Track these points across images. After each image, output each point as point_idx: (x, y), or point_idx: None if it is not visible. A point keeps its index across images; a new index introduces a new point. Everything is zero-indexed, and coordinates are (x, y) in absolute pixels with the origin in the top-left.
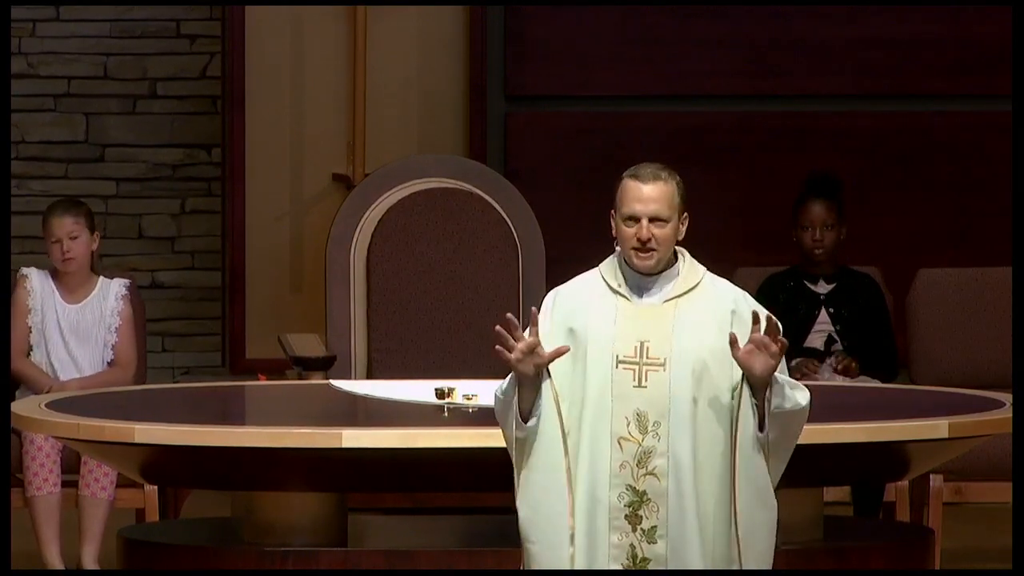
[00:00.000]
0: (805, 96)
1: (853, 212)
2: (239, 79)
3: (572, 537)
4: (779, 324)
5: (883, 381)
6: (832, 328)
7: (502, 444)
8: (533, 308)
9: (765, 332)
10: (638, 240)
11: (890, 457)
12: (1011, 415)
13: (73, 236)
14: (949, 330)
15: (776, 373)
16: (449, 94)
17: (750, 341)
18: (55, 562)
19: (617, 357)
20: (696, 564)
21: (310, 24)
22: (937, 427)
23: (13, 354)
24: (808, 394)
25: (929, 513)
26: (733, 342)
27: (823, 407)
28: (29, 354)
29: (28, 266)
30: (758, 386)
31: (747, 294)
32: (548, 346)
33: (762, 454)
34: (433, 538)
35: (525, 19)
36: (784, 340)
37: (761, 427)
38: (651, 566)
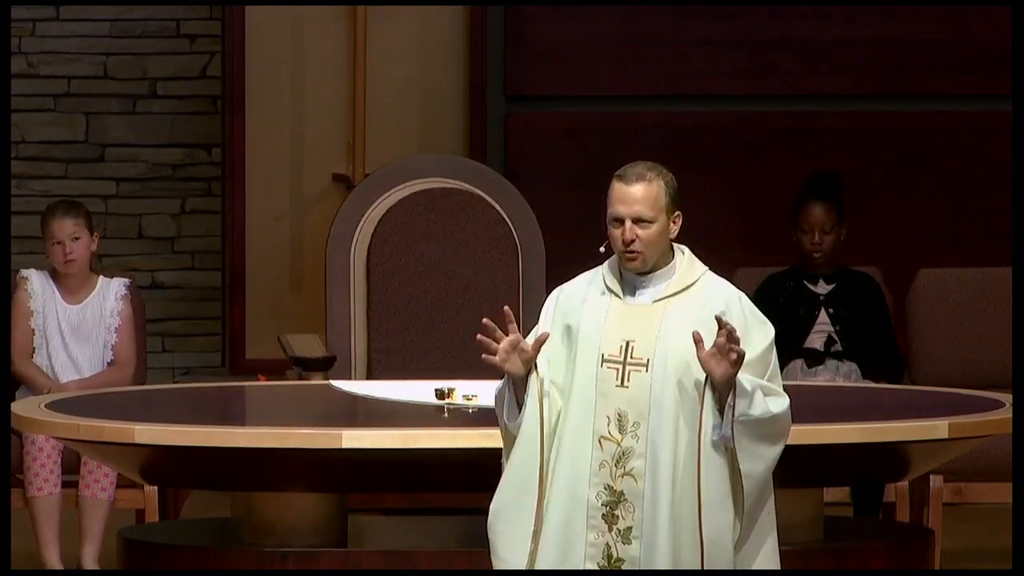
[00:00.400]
0: (805, 96)
1: (853, 212)
2: (239, 79)
3: (535, 534)
4: (743, 332)
5: (890, 381)
6: (832, 329)
7: (502, 445)
8: (506, 308)
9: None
10: (622, 242)
11: (890, 458)
12: (1011, 415)
13: (75, 237)
14: (949, 330)
15: (746, 378)
16: (449, 94)
17: (714, 345)
18: (54, 563)
19: (603, 356)
20: (664, 567)
21: (310, 24)
22: (937, 427)
23: (16, 356)
24: (786, 402)
25: (929, 513)
26: (698, 341)
27: (823, 407)
28: (32, 356)
29: (28, 266)
30: (720, 390)
31: (744, 295)
32: (550, 346)
33: (725, 459)
34: (433, 539)
35: (525, 19)
36: (741, 349)
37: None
38: (625, 567)
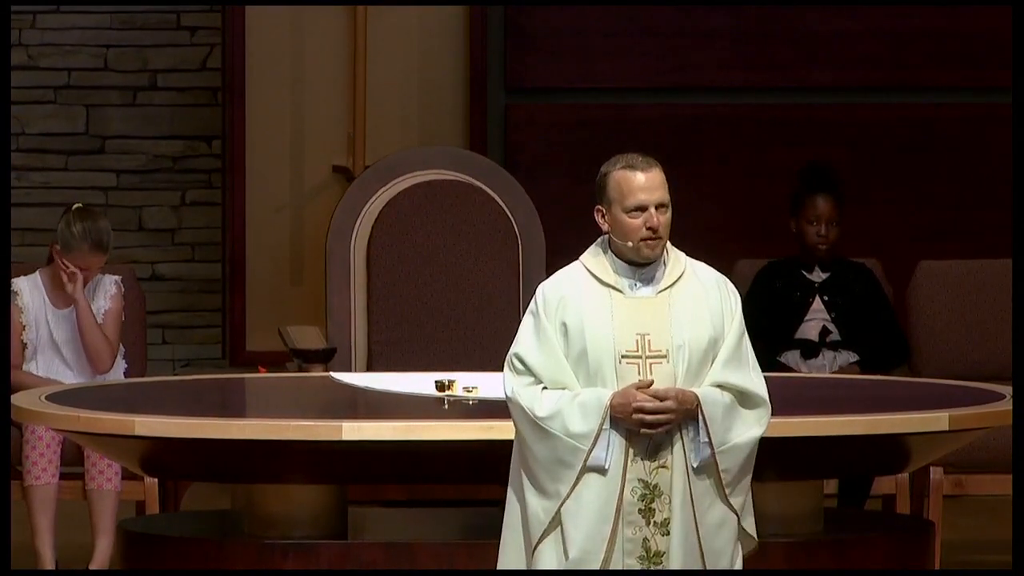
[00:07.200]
0: (805, 88)
1: (854, 204)
2: (239, 71)
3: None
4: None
5: (899, 363)
6: (828, 316)
7: (502, 437)
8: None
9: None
10: (648, 229)
11: (890, 450)
12: (1011, 407)
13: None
14: (950, 322)
15: (711, 407)
16: (450, 86)
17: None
18: (47, 554)
19: (620, 352)
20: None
21: (310, 16)
22: (937, 419)
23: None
24: (763, 422)
25: (929, 506)
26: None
27: (823, 400)
28: (25, 364)
29: (28, 258)
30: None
31: (727, 280)
32: (554, 341)
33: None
34: (433, 530)
35: (525, 11)
36: (667, 407)
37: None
38: (664, 559)
